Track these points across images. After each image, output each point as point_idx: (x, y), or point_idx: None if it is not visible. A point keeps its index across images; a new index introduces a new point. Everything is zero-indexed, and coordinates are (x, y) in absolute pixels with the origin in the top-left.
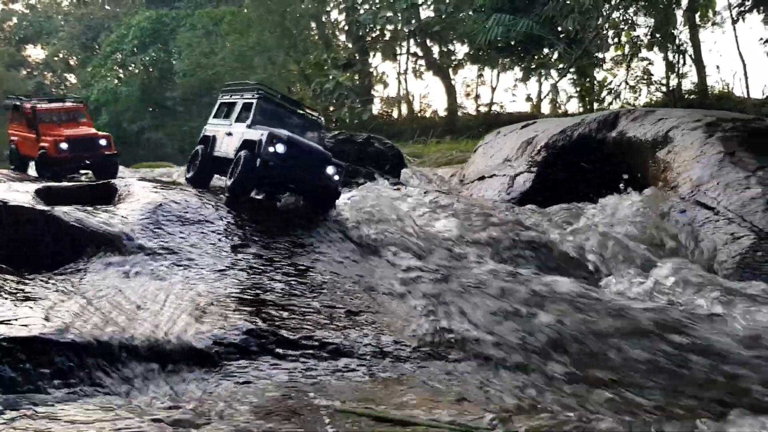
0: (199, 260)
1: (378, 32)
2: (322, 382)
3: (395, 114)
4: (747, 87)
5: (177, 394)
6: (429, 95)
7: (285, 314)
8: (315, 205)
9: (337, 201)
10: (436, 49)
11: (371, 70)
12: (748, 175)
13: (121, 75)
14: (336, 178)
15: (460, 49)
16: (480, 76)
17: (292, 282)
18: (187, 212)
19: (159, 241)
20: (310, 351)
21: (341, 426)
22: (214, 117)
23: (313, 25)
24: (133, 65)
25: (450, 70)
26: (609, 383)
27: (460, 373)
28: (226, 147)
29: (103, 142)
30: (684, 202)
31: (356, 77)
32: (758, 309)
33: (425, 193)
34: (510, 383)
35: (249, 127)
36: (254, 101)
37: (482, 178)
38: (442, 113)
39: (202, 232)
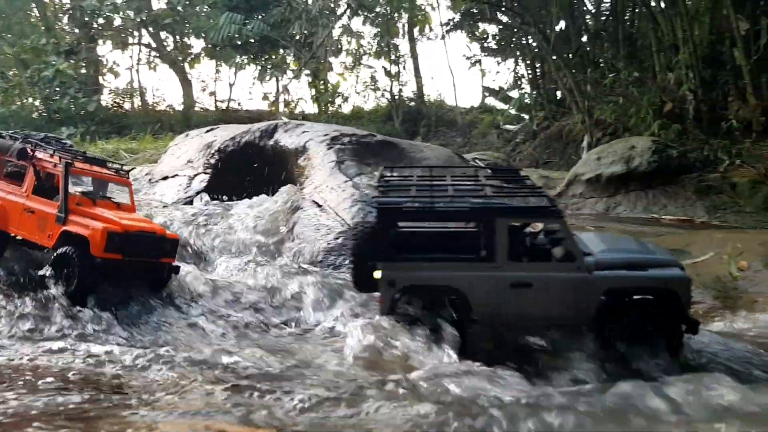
0: None
1: (105, 20)
2: None
3: (127, 106)
4: (455, 96)
5: None
6: (164, 88)
7: None
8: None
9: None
10: (171, 42)
11: (100, 58)
12: (347, 180)
13: None
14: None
15: (197, 44)
16: (217, 71)
17: None
18: None
19: None
20: None
21: None
22: None
23: (33, 5)
24: None
25: (186, 64)
26: None
27: None
28: None
29: (169, 245)
30: (306, 200)
31: (82, 65)
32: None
33: None
34: None
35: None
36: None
37: (166, 177)
38: (179, 107)
39: None
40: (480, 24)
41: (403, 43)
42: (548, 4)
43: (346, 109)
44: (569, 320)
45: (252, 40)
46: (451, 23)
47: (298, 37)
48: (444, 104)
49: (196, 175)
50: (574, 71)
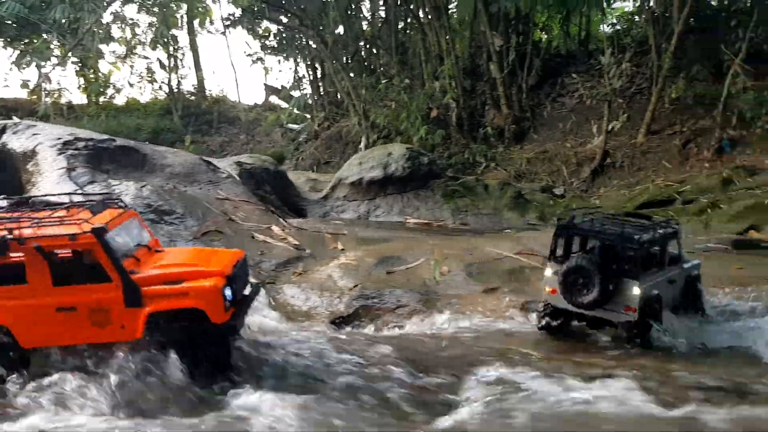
0: None
1: None
2: None
3: None
4: (238, 92)
5: None
6: None
7: None
8: None
9: None
10: None
11: None
12: (78, 189)
13: None
14: None
15: None
16: None
17: None
18: None
19: None
20: None
21: None
22: None
23: None
24: None
25: None
26: None
27: None
28: None
29: (247, 266)
30: None
31: None
32: None
33: None
34: None
35: None
36: None
37: None
38: None
39: None
40: (262, 21)
41: (182, 35)
42: (326, 9)
43: (120, 100)
44: (678, 299)
45: (8, 22)
46: (232, 18)
47: (64, 21)
48: (227, 100)
49: None
50: (351, 75)
